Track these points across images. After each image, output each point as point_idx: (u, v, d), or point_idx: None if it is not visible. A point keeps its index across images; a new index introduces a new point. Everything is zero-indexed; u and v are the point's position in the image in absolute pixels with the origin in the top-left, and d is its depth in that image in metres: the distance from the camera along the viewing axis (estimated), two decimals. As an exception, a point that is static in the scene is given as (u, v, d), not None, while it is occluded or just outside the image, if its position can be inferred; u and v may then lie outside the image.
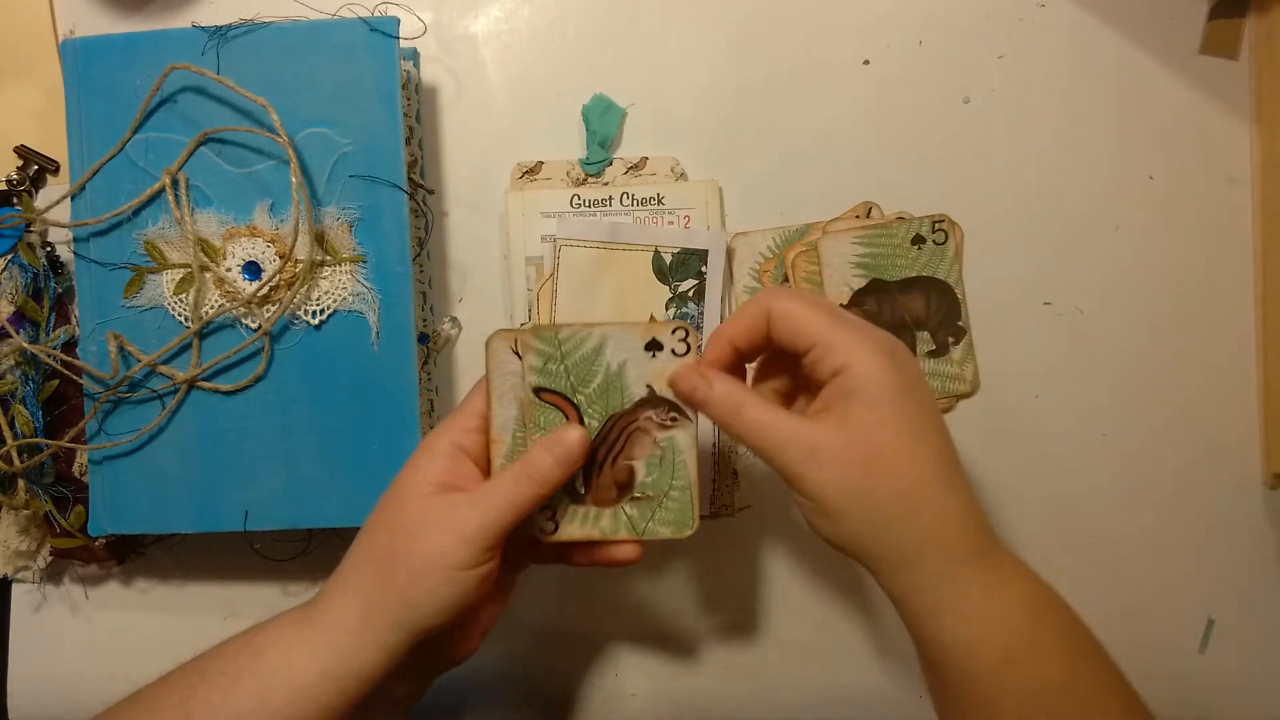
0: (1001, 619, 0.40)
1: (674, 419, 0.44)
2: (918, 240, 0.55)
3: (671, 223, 0.56)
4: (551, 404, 0.44)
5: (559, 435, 0.43)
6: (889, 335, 0.42)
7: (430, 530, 0.41)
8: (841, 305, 0.55)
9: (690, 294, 0.55)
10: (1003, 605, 0.40)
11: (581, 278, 0.55)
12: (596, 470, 0.44)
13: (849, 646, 0.57)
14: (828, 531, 0.41)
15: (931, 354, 0.56)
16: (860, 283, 0.56)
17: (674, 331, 0.43)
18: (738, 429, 0.41)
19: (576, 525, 0.45)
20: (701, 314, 0.55)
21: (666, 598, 0.58)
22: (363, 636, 0.41)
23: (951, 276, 0.56)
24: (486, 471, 0.44)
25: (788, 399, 0.46)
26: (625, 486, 0.44)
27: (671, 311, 0.55)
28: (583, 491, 0.45)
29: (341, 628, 0.41)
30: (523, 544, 0.46)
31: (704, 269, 0.55)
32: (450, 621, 0.42)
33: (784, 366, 0.45)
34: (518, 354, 0.44)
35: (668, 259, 0.55)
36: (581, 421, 0.44)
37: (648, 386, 0.44)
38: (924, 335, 0.56)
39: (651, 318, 0.55)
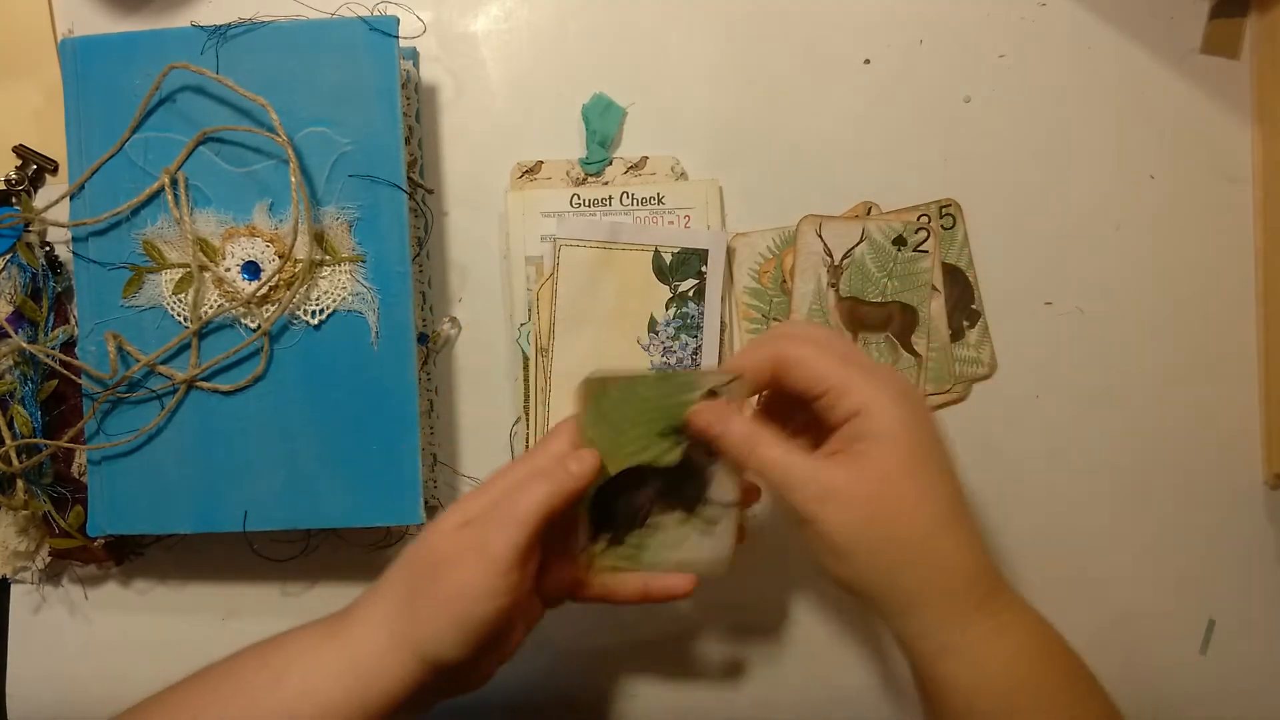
0: (1003, 665, 0.40)
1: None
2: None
3: (671, 222, 0.56)
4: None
5: (581, 454, 0.43)
6: (903, 377, 0.43)
7: (457, 562, 0.41)
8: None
9: (690, 294, 0.55)
10: (1005, 651, 0.41)
11: (581, 277, 0.55)
12: None
13: (849, 647, 0.57)
14: (836, 570, 0.42)
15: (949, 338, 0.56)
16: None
17: (729, 384, 0.45)
18: (753, 465, 0.42)
19: None
20: (701, 314, 0.55)
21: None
22: (388, 662, 0.41)
23: (962, 260, 0.56)
24: None
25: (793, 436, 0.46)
26: None
27: (672, 311, 0.55)
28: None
29: (368, 653, 0.41)
30: (565, 579, 0.46)
31: (704, 268, 0.55)
32: (472, 653, 0.41)
33: (789, 405, 0.45)
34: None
35: (668, 258, 0.55)
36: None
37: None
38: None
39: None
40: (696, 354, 0.55)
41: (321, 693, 0.41)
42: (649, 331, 0.55)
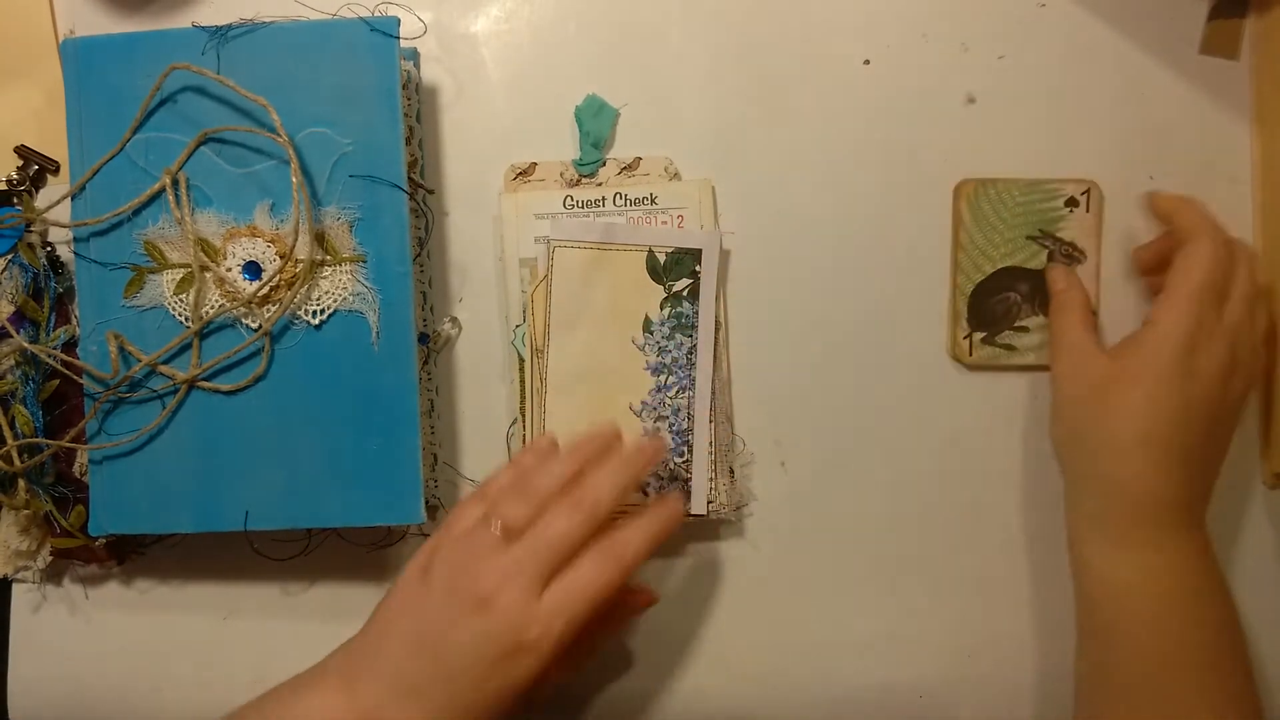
0: (1139, 576, 0.47)
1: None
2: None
3: (665, 222, 0.56)
4: None
5: (666, 505, 0.46)
6: (1209, 334, 0.48)
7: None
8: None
9: (685, 293, 0.55)
10: (1146, 564, 0.47)
11: (575, 278, 0.55)
12: None
13: (850, 646, 0.57)
14: (1051, 425, 0.53)
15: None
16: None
17: None
18: (1051, 322, 0.54)
19: None
20: (696, 313, 0.55)
21: (664, 598, 0.57)
22: None
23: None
24: None
25: None
26: None
27: (666, 311, 0.55)
28: None
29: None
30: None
31: (698, 268, 0.55)
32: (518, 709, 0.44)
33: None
34: None
35: (662, 258, 0.55)
36: None
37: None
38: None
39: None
40: (692, 353, 0.55)
41: None
42: (644, 331, 0.55)
